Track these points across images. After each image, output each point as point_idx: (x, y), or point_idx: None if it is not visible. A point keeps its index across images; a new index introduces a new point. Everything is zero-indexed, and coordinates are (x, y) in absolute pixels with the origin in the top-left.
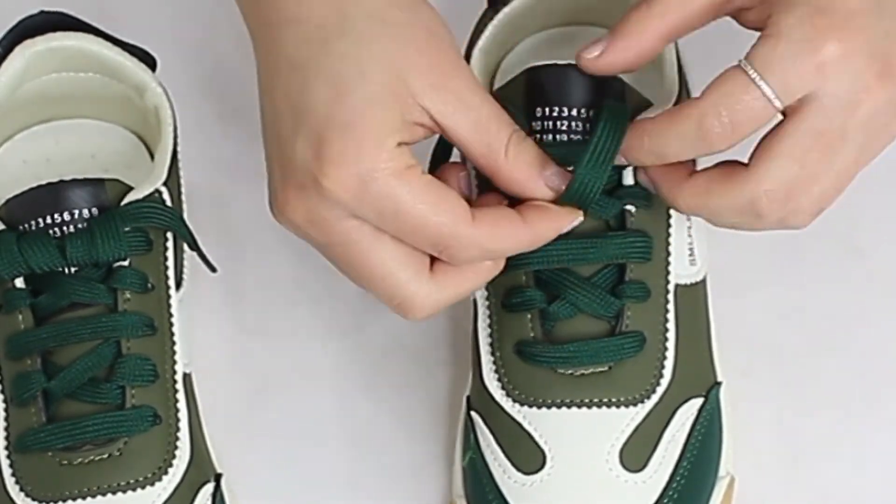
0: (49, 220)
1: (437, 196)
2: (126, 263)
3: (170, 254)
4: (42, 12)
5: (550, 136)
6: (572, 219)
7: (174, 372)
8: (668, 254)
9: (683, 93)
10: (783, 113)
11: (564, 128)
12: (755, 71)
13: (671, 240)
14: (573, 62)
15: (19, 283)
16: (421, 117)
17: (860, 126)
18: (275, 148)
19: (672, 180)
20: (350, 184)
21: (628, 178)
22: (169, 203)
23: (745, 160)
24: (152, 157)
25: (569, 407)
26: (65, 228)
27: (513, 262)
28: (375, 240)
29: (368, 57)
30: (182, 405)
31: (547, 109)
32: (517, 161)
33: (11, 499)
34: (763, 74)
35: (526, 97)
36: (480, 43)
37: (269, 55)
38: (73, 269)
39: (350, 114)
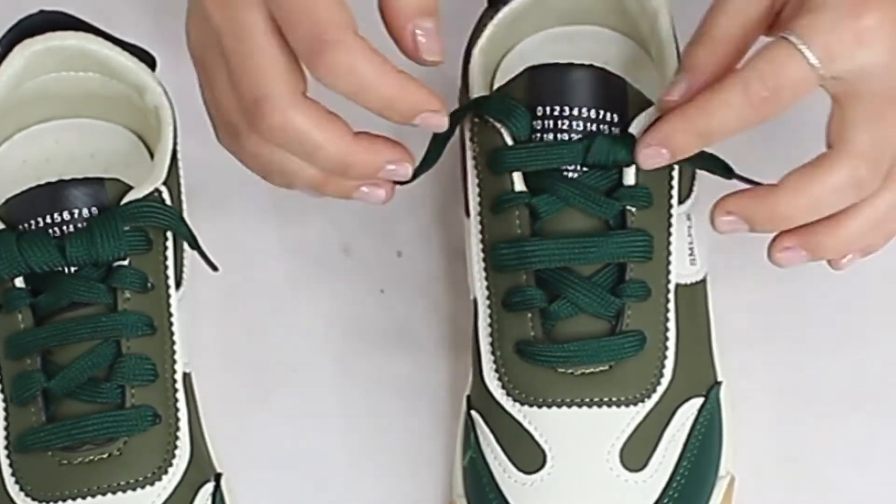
0: (49, 220)
1: None
2: (126, 263)
3: (169, 253)
4: (41, 12)
5: (551, 136)
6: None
7: (174, 371)
8: (669, 253)
9: None
10: (832, 95)
11: (566, 127)
12: (798, 38)
13: (672, 239)
14: (574, 62)
15: (19, 282)
16: None
17: None
18: None
19: (760, 196)
20: None
21: (629, 179)
22: (169, 202)
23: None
24: (152, 156)
25: (569, 406)
26: (64, 228)
27: (514, 262)
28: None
29: None
30: (182, 405)
31: (548, 109)
32: None
33: (11, 498)
34: (806, 41)
35: (527, 96)
36: (480, 43)
37: None
38: (72, 269)
39: None
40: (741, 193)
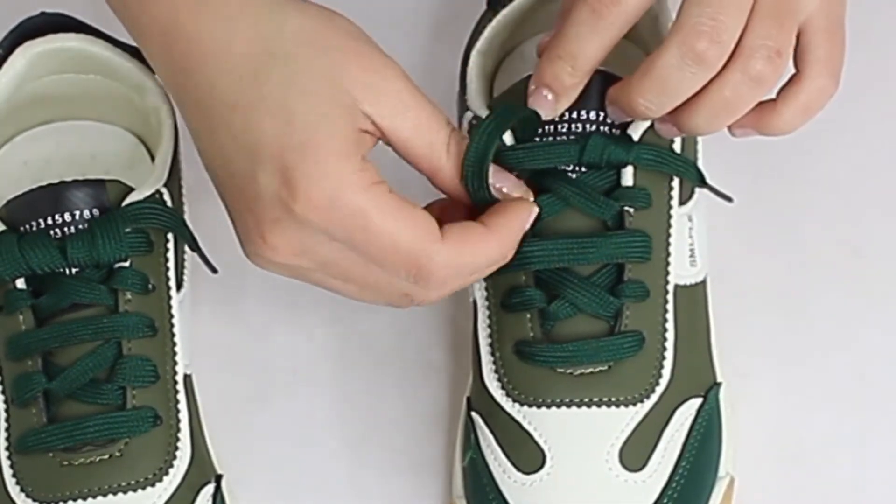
0: (50, 221)
1: (406, 212)
2: (127, 264)
3: (170, 255)
4: (42, 13)
5: (552, 139)
6: (528, 211)
7: (175, 373)
8: (668, 254)
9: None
10: None
11: (565, 129)
12: None
13: (671, 240)
14: None
15: (20, 283)
16: (365, 123)
17: None
18: (235, 192)
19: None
20: (321, 202)
21: (627, 180)
22: (170, 204)
23: None
24: (153, 158)
25: (568, 406)
26: (66, 229)
27: (513, 262)
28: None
29: (305, 75)
30: (182, 406)
31: None
32: (458, 158)
33: (12, 499)
34: None
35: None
36: (479, 44)
37: (199, 100)
38: (73, 270)
39: (304, 133)
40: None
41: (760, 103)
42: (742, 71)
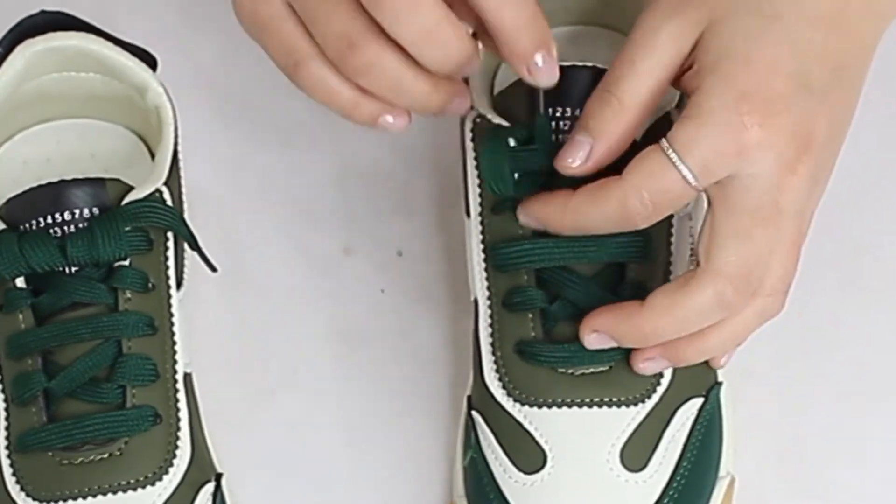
0: (50, 220)
1: None
2: (127, 263)
3: (170, 253)
4: (42, 12)
5: (553, 137)
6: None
7: (175, 372)
8: (670, 254)
9: (684, 99)
10: (708, 197)
11: (567, 128)
12: (675, 153)
13: (672, 240)
14: (575, 63)
15: (20, 282)
16: None
17: (792, 200)
18: None
19: (626, 315)
20: None
21: None
22: (169, 203)
23: None
24: (153, 156)
25: (569, 406)
26: (65, 228)
27: (513, 262)
28: None
29: None
30: (182, 405)
31: (549, 110)
32: None
33: (12, 498)
34: (683, 156)
35: (529, 99)
36: (480, 43)
37: None
38: (73, 269)
39: None
40: (607, 311)
41: None
42: (760, 313)
